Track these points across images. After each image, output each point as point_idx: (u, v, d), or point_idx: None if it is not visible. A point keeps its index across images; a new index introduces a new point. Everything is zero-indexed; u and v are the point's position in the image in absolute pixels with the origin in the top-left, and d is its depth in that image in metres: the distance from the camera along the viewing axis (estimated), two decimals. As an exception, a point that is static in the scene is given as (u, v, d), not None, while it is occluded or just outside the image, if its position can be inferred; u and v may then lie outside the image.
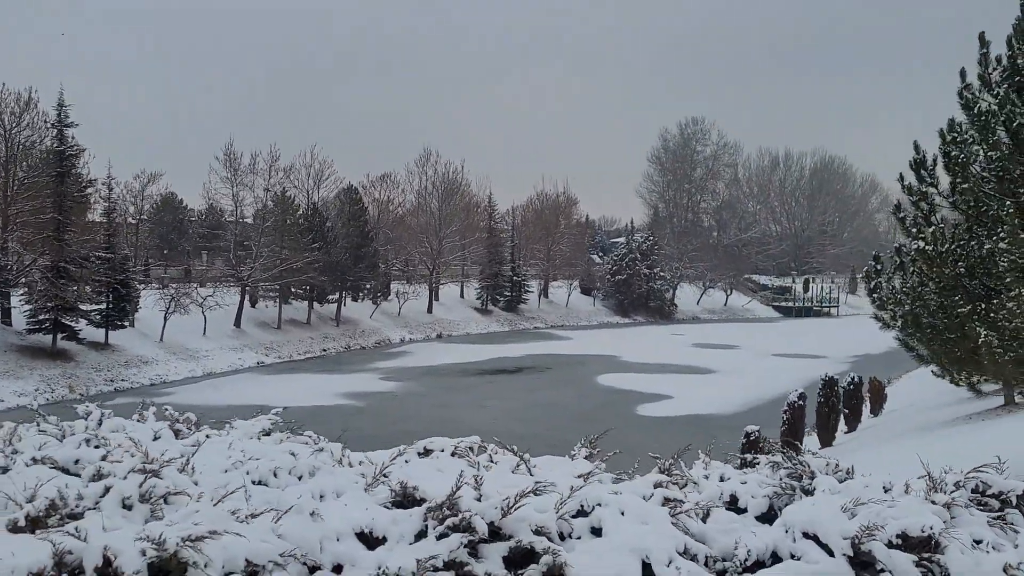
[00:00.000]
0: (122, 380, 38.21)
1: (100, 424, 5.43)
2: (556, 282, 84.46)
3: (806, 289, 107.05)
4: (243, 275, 49.72)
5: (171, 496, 3.76)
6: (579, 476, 4.24)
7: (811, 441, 20.48)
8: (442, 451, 4.98)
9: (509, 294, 76.91)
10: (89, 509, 3.59)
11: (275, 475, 4.31)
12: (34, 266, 36.63)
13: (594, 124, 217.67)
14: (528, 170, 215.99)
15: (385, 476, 4.23)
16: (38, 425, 5.31)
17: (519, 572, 3.44)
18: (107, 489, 3.67)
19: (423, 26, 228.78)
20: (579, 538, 3.72)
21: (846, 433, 22.40)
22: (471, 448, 4.94)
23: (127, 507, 3.63)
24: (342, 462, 4.70)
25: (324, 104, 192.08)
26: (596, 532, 3.75)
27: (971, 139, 14.40)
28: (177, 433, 5.48)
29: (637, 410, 34.05)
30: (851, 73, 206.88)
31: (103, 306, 39.96)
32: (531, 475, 4.39)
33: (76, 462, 4.50)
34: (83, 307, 38.17)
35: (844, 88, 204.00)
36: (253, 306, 53.42)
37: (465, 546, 3.45)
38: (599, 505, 3.81)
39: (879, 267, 18.56)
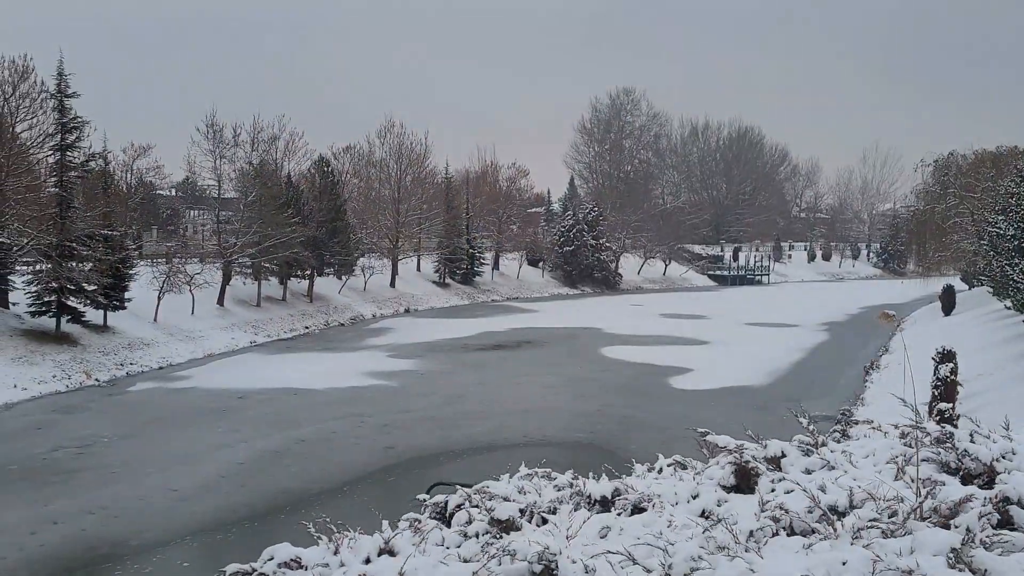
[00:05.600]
0: (131, 364, 36.40)
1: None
2: (511, 254, 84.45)
3: (735, 258, 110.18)
4: (226, 252, 47.88)
5: None
6: None
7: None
8: None
9: (465, 267, 76.44)
10: None
11: None
12: (38, 245, 34.42)
13: (511, 93, 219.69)
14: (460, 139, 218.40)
15: None
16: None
17: None
18: None
19: None
20: None
21: (940, 403, 23.29)
22: None
23: None
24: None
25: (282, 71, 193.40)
26: None
27: None
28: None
29: (671, 383, 34.52)
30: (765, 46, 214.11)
31: (100, 286, 37.89)
32: None
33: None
34: (87, 288, 36.16)
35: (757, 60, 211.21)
36: (228, 283, 51.60)
37: None
38: None
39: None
